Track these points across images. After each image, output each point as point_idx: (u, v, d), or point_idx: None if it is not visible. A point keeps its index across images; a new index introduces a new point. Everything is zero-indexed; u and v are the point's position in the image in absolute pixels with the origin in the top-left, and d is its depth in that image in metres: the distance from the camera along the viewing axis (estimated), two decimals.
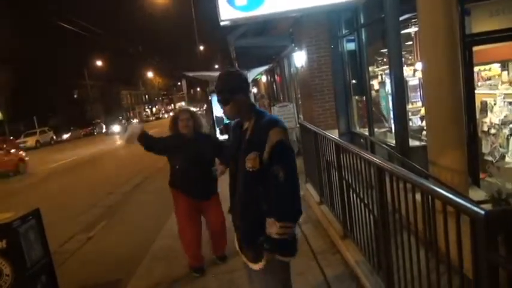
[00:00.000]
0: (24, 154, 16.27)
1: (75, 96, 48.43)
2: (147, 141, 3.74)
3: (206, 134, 4.08)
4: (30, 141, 29.88)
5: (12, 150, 15.89)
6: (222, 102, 2.15)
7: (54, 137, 34.09)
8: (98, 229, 6.29)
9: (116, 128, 33.67)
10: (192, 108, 4.20)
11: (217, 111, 13.55)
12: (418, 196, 2.15)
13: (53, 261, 3.42)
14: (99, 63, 51.64)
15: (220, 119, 12.97)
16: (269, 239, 2.03)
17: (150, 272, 4.16)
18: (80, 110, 45.35)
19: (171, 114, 4.17)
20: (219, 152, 3.81)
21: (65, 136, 36.70)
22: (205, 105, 24.19)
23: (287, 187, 2.03)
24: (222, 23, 4.33)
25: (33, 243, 3.12)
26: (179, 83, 59.60)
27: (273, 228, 2.01)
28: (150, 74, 71.75)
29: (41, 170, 15.72)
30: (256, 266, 2.12)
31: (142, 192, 8.73)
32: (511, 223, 1.45)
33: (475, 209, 1.51)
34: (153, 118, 64.18)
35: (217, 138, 4.10)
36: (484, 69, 5.79)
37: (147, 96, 74.69)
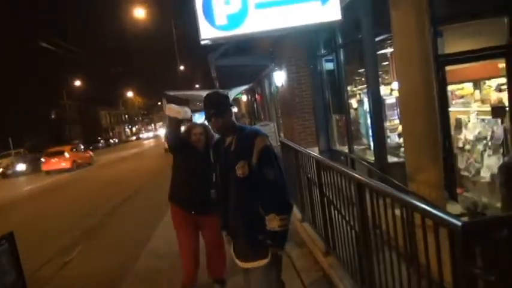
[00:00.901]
0: None
1: (53, 116, 47.55)
2: (179, 126, 3.72)
3: None
4: (4, 162, 28.95)
5: None
6: (213, 116, 2.40)
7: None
8: (75, 253, 6.10)
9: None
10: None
11: None
12: (397, 211, 2.18)
13: (27, 286, 3.29)
14: (77, 83, 51.02)
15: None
16: (272, 234, 2.31)
17: None
18: (58, 130, 44.45)
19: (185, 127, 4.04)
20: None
21: (42, 159, 35.79)
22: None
23: (279, 184, 2.35)
24: (202, 42, 4.36)
25: (6, 268, 3.00)
26: (159, 103, 59.36)
27: (274, 222, 2.29)
28: (129, 94, 71.26)
29: (17, 193, 15.24)
30: (262, 262, 2.35)
31: (121, 213, 8.54)
32: (488, 234, 1.48)
33: (453, 220, 1.55)
34: (134, 138, 63.49)
35: None
36: (458, 89, 6.01)
37: (126, 116, 73.99)
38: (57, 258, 5.88)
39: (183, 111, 3.55)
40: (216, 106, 2.43)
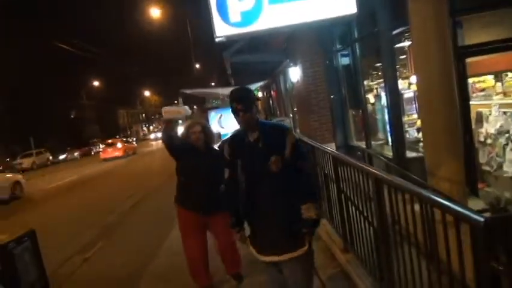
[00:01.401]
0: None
1: (72, 116, 48.48)
2: (174, 129, 3.70)
3: (217, 150, 3.87)
4: (26, 162, 29.74)
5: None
6: (241, 111, 2.42)
7: (51, 158, 33.93)
8: (94, 250, 6.20)
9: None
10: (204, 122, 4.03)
11: (214, 128, 13.59)
12: (417, 207, 2.14)
13: (49, 284, 3.37)
14: (96, 83, 51.89)
15: (217, 135, 12.98)
16: (309, 222, 2.41)
17: None
18: (77, 130, 45.29)
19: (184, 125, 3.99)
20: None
21: (62, 157, 36.54)
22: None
23: (311, 175, 2.60)
24: (217, 40, 4.37)
25: (29, 266, 3.07)
26: (176, 101, 59.82)
27: (311, 210, 2.40)
28: (147, 93, 72.08)
29: (38, 191, 15.60)
30: (302, 251, 2.42)
31: (139, 212, 8.64)
32: (510, 229, 1.44)
33: (475, 216, 1.51)
34: (152, 136, 64.04)
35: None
36: (478, 81, 5.85)
37: (144, 114, 74.87)
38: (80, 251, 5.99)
39: (183, 109, 3.53)
40: (244, 101, 2.45)
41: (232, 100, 2.47)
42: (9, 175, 15.58)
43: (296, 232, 2.42)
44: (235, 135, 2.63)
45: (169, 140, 3.61)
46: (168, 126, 3.61)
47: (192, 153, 3.67)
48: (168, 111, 3.60)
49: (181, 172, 3.74)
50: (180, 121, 3.91)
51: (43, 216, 10.01)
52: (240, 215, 2.61)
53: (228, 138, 2.74)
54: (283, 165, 2.40)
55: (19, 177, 15.55)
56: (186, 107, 3.64)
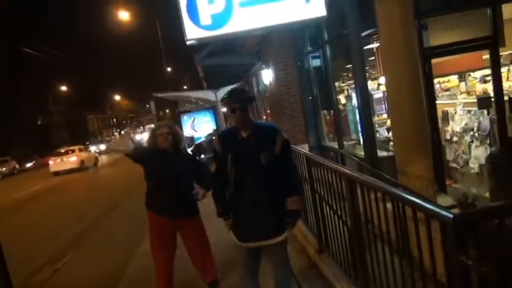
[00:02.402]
0: None
1: (39, 122, 46.87)
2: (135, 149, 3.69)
3: (187, 153, 3.88)
4: None
5: None
6: (238, 109, 2.61)
7: (17, 166, 32.65)
8: (65, 260, 6.01)
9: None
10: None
11: (187, 131, 13.48)
12: (389, 205, 2.18)
13: None
14: (63, 88, 50.38)
15: (190, 139, 12.87)
16: (294, 213, 2.72)
17: None
18: (45, 136, 43.80)
19: (149, 129, 3.96)
20: (200, 175, 3.65)
21: (29, 165, 35.21)
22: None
23: (297, 171, 2.81)
24: (188, 43, 4.33)
25: None
26: (147, 105, 58.93)
27: (296, 203, 2.67)
28: (117, 97, 70.61)
29: (3, 201, 14.98)
30: (281, 237, 2.70)
31: (111, 218, 8.44)
32: (479, 225, 1.48)
33: (444, 213, 1.55)
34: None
35: (203, 163, 3.82)
36: (443, 81, 6.06)
37: (114, 119, 73.30)
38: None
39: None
40: (243, 102, 2.65)
41: (230, 99, 2.67)
42: None
43: (280, 221, 2.69)
44: (228, 130, 2.86)
45: (131, 155, 3.63)
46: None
47: (158, 157, 3.56)
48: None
49: (148, 177, 3.63)
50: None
51: (8, 226, 9.61)
52: (226, 205, 2.80)
53: (219, 133, 2.95)
54: (272, 160, 2.61)
55: None
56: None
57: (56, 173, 21.87)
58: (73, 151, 23.15)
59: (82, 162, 22.57)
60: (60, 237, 7.38)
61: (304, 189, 4.25)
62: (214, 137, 3.00)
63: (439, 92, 5.92)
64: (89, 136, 52.79)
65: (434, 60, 4.46)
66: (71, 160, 22.23)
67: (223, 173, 2.73)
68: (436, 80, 5.26)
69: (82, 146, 26.64)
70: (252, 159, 2.64)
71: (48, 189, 16.86)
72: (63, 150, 23.54)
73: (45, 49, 31.97)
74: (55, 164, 22.23)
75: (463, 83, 5.78)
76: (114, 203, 9.91)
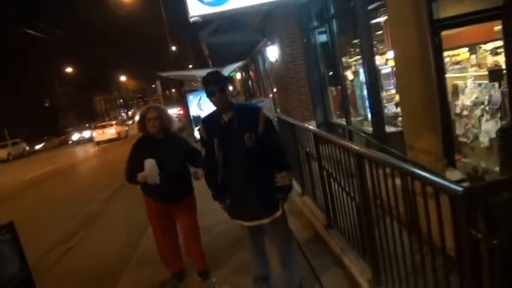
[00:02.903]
0: None
1: (47, 105, 47.08)
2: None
3: (178, 136, 3.82)
4: (2, 153, 28.87)
5: None
6: (217, 91, 2.62)
7: (27, 148, 33.05)
8: (77, 239, 6.14)
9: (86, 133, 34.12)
10: (161, 106, 3.86)
11: (194, 110, 13.44)
12: (398, 181, 2.17)
13: (32, 274, 3.30)
14: (69, 70, 50.31)
15: (197, 118, 12.84)
16: (283, 188, 2.74)
17: (137, 278, 4.08)
18: (52, 118, 44.06)
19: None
20: (191, 157, 3.64)
21: (38, 146, 35.60)
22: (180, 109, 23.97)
23: (283, 148, 2.84)
24: (191, 20, 4.27)
25: (9, 258, 3.00)
26: (153, 85, 58.77)
27: (285, 179, 2.72)
28: (123, 78, 70.43)
29: (16, 181, 15.24)
30: (277, 214, 2.78)
31: (120, 199, 8.56)
32: (489, 198, 1.47)
33: (453, 186, 1.53)
34: (131, 122, 63.15)
35: (189, 144, 3.88)
36: (453, 55, 5.92)
37: (121, 100, 73.35)
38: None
39: (148, 173, 3.41)
40: (219, 83, 2.66)
41: (207, 82, 2.67)
42: None
43: (273, 198, 2.75)
44: (209, 117, 2.84)
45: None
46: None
47: (148, 143, 3.54)
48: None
49: (141, 166, 3.54)
50: None
51: (23, 207, 9.80)
52: (219, 188, 2.85)
53: (203, 118, 2.92)
54: (257, 141, 2.65)
55: None
56: (150, 167, 3.43)
57: (98, 143, 27.34)
58: (111, 125, 29.51)
59: (118, 133, 28.21)
60: (74, 216, 7.52)
61: (308, 166, 4.27)
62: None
63: (449, 66, 5.79)
64: (97, 117, 52.99)
65: (444, 33, 4.35)
66: (110, 132, 28.13)
67: (213, 156, 2.78)
68: (445, 54, 5.13)
69: (116, 121, 32.94)
70: (236, 143, 2.67)
71: (61, 170, 17.11)
72: (104, 124, 30.15)
73: (50, 30, 31.79)
74: (98, 135, 28.12)
75: (473, 56, 5.64)
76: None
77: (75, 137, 35.97)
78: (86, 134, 34.52)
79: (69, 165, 18.48)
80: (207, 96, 2.70)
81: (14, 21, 32.36)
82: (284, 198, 2.83)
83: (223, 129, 2.72)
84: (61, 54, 43.56)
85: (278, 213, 2.79)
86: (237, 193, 2.78)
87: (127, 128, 31.89)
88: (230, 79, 3.65)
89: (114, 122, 31.50)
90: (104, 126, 29.19)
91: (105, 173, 13.21)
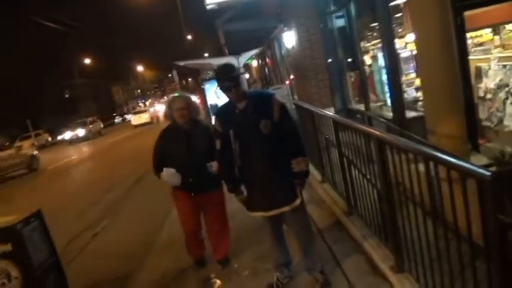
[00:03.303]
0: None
1: (67, 96, 47.94)
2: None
3: (207, 125, 3.77)
4: (26, 144, 29.63)
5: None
6: (233, 87, 2.65)
7: (50, 139, 33.85)
8: (102, 226, 6.30)
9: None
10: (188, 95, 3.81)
11: (211, 99, 13.47)
12: (421, 166, 2.13)
13: (60, 260, 3.42)
14: (87, 61, 50.99)
15: (214, 107, 12.86)
16: (301, 174, 2.76)
17: (159, 264, 4.17)
18: (73, 109, 44.88)
19: (166, 101, 3.81)
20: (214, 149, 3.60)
21: (60, 137, 36.39)
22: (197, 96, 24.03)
23: (298, 133, 2.84)
24: (208, 7, 4.26)
25: (39, 244, 3.10)
26: (170, 75, 59.00)
27: (301, 164, 2.73)
28: (140, 68, 71.00)
29: (40, 171, 15.67)
30: (297, 202, 2.78)
31: (143, 187, 8.71)
32: None
33: (481, 171, 1.50)
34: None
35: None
36: (476, 36, 5.74)
37: (139, 90, 74.07)
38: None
39: (171, 180, 3.44)
40: (234, 78, 2.67)
41: (222, 78, 2.69)
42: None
43: (291, 185, 2.76)
44: (223, 109, 2.91)
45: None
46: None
47: (176, 133, 3.52)
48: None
49: (167, 155, 3.56)
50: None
51: (51, 194, 10.09)
52: (236, 181, 2.87)
53: (216, 111, 3.03)
54: (272, 128, 2.66)
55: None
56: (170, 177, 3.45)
57: (135, 126, 31.02)
58: (145, 111, 34.40)
59: (151, 118, 31.57)
60: (99, 203, 7.70)
61: (327, 153, 4.24)
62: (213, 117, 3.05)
63: (472, 47, 5.62)
64: (116, 107, 53.71)
65: (466, 13, 4.21)
66: (145, 117, 32.05)
67: (228, 148, 2.79)
68: (468, 35, 4.98)
69: (148, 108, 38.17)
70: (253, 130, 2.68)
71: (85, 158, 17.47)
72: (139, 110, 36.13)
73: (68, 23, 32.25)
74: (135, 119, 32.72)
75: (497, 37, 5.46)
76: None
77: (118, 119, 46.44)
78: (127, 116, 44.29)
79: (93, 153, 18.85)
80: (222, 91, 2.73)
81: (34, 13, 32.85)
82: (302, 184, 2.82)
83: (239, 118, 2.73)
84: (80, 45, 44.19)
85: (298, 201, 2.80)
86: (256, 182, 2.78)
87: (159, 114, 33.34)
88: (240, 73, 3.43)
89: (147, 108, 36.93)
90: (140, 112, 34.38)
91: (130, 161, 13.43)
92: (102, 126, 34.79)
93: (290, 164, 2.72)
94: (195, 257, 3.88)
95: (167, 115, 3.61)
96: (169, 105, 3.55)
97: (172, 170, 3.43)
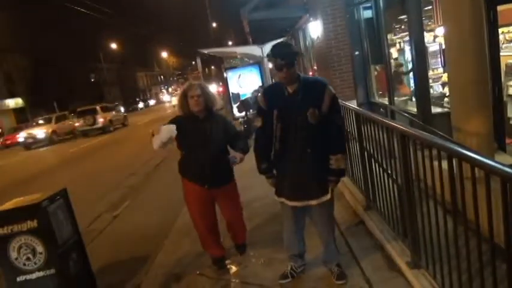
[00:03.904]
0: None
1: (93, 80, 48.88)
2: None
3: (222, 115, 3.59)
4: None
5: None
6: (285, 66, 2.51)
7: None
8: (122, 208, 6.45)
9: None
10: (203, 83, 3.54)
11: (233, 87, 13.49)
12: (444, 164, 2.09)
13: (82, 239, 3.53)
14: (113, 45, 51.78)
15: (236, 96, 12.89)
16: (337, 172, 2.68)
17: (177, 248, 4.26)
18: (98, 93, 45.80)
19: (179, 90, 3.53)
20: (233, 140, 3.44)
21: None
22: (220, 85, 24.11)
23: (343, 129, 2.78)
24: None
25: (63, 222, 3.21)
26: (193, 62, 59.34)
27: (341, 161, 2.66)
28: (164, 54, 71.61)
29: (65, 153, 16.11)
30: (326, 197, 2.71)
31: (162, 172, 8.85)
32: None
33: (506, 169, 1.47)
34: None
35: (233, 125, 3.61)
36: (508, 31, 5.54)
37: (162, 76, 74.83)
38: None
39: (165, 137, 3.09)
40: (289, 57, 2.54)
41: (276, 56, 2.53)
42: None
43: (325, 180, 2.67)
44: (273, 86, 2.81)
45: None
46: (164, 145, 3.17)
47: (190, 122, 3.29)
48: (154, 140, 3.16)
49: (182, 146, 3.39)
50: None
51: (72, 176, 10.38)
52: (270, 162, 2.79)
53: (264, 88, 2.94)
54: (319, 118, 2.55)
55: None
56: (169, 130, 3.14)
57: (175, 106, 34.30)
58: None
59: None
60: (120, 186, 7.89)
61: (348, 146, 4.20)
62: (259, 94, 2.95)
63: (503, 43, 5.43)
64: (139, 92, 54.47)
65: (500, 7, 4.07)
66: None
67: (269, 128, 2.68)
68: (500, 30, 4.81)
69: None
70: (298, 116, 2.58)
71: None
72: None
73: (94, 6, 32.72)
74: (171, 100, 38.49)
75: None
76: None
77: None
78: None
79: (113, 139, 19.24)
80: (275, 69, 2.59)
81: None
82: (336, 182, 2.73)
83: (286, 101, 2.62)
84: (105, 30, 44.85)
85: (327, 197, 2.72)
86: (290, 169, 2.70)
87: None
88: (299, 52, 3.38)
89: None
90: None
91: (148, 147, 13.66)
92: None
93: (328, 158, 2.64)
94: (214, 255, 3.65)
95: (180, 104, 3.37)
96: (184, 93, 3.32)
97: (172, 126, 3.17)
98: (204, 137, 3.28)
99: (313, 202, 2.72)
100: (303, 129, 2.59)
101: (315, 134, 2.59)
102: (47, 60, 34.90)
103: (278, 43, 2.68)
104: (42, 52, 34.04)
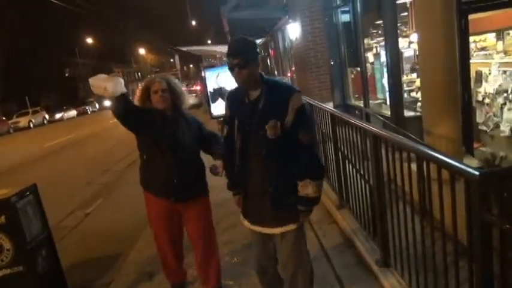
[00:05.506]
0: None
1: (67, 75, 47.71)
2: (127, 101, 2.58)
3: (192, 116, 2.97)
4: (23, 121, 29.62)
5: None
6: (236, 66, 2.03)
7: (47, 117, 33.78)
8: (95, 206, 6.33)
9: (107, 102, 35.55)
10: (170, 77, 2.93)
11: (211, 87, 13.41)
12: (413, 166, 2.17)
13: (52, 235, 3.45)
14: (90, 41, 50.70)
15: (218, 91, 12.78)
16: (305, 200, 2.13)
17: (150, 246, 4.19)
18: (72, 89, 44.74)
19: (141, 84, 2.89)
20: (208, 142, 2.89)
21: (58, 116, 36.30)
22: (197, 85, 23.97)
23: (313, 149, 2.19)
24: None
25: (32, 218, 3.13)
26: (172, 60, 58.77)
27: (308, 189, 2.10)
28: (142, 51, 70.58)
29: (35, 149, 15.65)
30: (293, 227, 2.17)
31: (137, 170, 8.70)
32: (504, 183, 1.47)
33: (470, 170, 1.54)
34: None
35: (205, 127, 3.00)
36: (480, 40, 5.75)
37: (139, 73, 73.70)
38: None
39: (111, 85, 2.46)
40: (242, 55, 2.03)
41: (229, 53, 2.07)
42: None
43: (289, 206, 2.14)
44: (236, 90, 2.28)
45: (125, 115, 2.58)
46: (120, 100, 2.51)
47: (156, 122, 2.70)
48: (94, 84, 2.53)
49: (143, 148, 2.83)
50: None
51: (44, 172, 10.10)
52: (235, 177, 2.29)
53: (229, 91, 2.38)
54: (282, 133, 2.04)
55: None
56: (117, 82, 2.52)
57: None
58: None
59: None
60: (92, 184, 7.73)
61: (323, 148, 4.26)
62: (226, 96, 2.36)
63: (474, 51, 5.64)
64: None
65: (471, 16, 4.23)
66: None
67: (233, 139, 2.22)
68: (471, 39, 5.00)
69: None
70: (257, 129, 2.08)
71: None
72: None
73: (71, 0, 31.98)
74: None
75: (500, 42, 5.48)
76: None
77: None
78: None
79: (86, 135, 18.84)
80: (228, 70, 2.11)
81: None
82: (305, 212, 2.19)
83: (247, 109, 2.13)
84: (81, 24, 43.87)
85: (291, 227, 2.18)
86: (250, 190, 2.23)
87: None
88: (256, 51, 2.17)
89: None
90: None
91: (124, 144, 13.44)
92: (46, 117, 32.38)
93: (296, 182, 2.13)
94: (172, 281, 3.12)
95: (141, 101, 2.78)
96: (146, 88, 2.76)
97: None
98: (170, 140, 2.72)
99: (275, 230, 2.20)
100: (262, 144, 2.08)
101: (276, 151, 2.09)
102: (20, 54, 33.87)
103: (234, 39, 2.21)
104: (15, 45, 33.01)
